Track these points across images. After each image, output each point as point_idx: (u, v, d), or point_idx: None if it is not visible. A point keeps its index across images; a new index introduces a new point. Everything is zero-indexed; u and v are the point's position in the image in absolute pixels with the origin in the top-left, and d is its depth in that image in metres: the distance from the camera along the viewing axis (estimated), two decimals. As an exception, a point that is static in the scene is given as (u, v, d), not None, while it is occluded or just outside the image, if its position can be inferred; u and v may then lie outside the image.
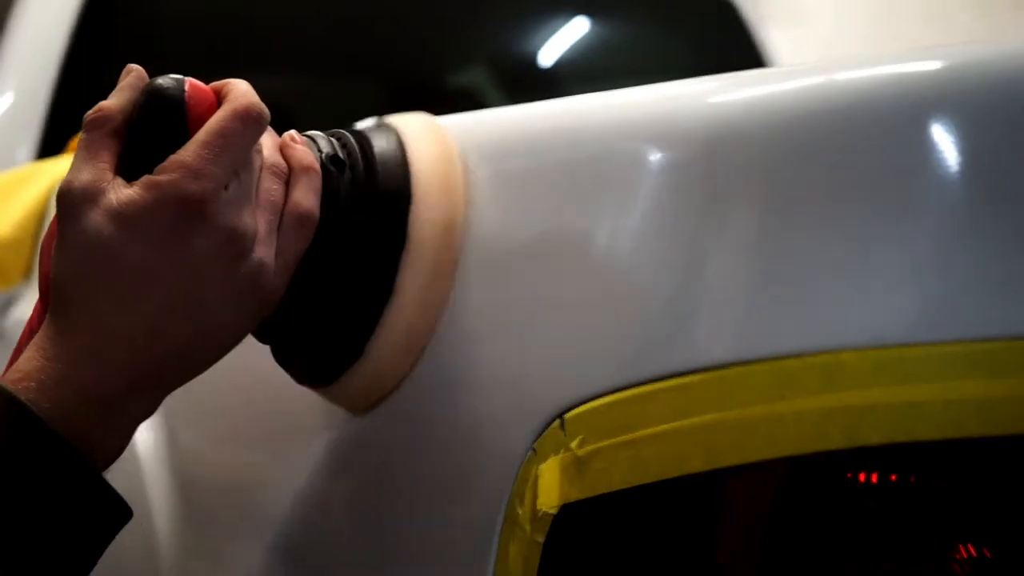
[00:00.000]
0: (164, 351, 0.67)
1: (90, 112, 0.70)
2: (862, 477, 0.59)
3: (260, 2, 2.15)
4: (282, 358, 0.76)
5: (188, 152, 0.66)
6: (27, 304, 1.48)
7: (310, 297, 0.71)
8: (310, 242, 0.70)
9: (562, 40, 2.27)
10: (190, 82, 0.69)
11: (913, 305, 0.58)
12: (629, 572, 0.64)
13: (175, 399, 0.82)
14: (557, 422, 0.65)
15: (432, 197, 0.71)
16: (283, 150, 0.71)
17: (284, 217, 0.69)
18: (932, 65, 0.60)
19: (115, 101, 0.70)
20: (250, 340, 0.73)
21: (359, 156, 0.72)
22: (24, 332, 0.71)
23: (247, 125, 0.68)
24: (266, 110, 0.68)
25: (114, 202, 0.66)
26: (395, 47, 2.15)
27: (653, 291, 0.63)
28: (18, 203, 1.49)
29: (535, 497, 0.65)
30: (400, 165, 0.72)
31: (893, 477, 0.59)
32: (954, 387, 0.57)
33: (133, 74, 0.71)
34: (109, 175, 0.67)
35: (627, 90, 0.72)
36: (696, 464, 0.60)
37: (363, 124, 0.76)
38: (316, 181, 0.70)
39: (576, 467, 0.64)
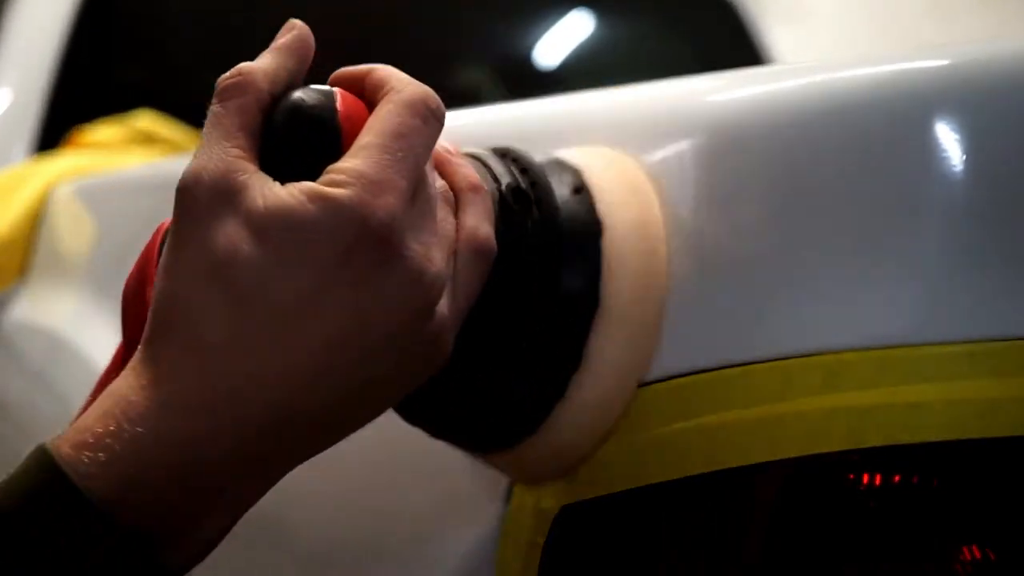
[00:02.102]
0: (304, 418, 0.50)
1: (226, 76, 0.54)
2: (864, 478, 0.59)
3: (260, 2, 2.15)
4: (438, 429, 0.63)
5: (363, 159, 0.50)
6: (23, 304, 1.48)
7: (479, 356, 0.58)
8: (484, 282, 0.55)
9: (562, 40, 2.27)
10: (342, 94, 0.53)
11: (915, 305, 0.58)
12: (629, 572, 0.64)
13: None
14: (557, 422, 0.65)
15: (628, 263, 0.60)
16: (442, 168, 0.56)
17: (459, 248, 0.54)
18: (935, 64, 0.60)
19: (262, 64, 0.54)
20: None
21: (544, 188, 0.58)
22: (97, 385, 0.56)
23: (426, 121, 0.52)
24: (442, 104, 0.54)
25: (262, 208, 0.49)
26: (395, 47, 2.15)
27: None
28: (13, 202, 1.49)
29: (535, 497, 0.65)
30: (588, 209, 0.59)
31: (895, 478, 0.59)
32: (956, 387, 0.57)
33: (296, 32, 0.56)
34: (251, 166, 0.51)
35: (627, 89, 0.72)
36: (696, 465, 0.60)
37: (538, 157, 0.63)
38: (488, 202, 0.56)
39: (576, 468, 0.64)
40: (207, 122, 0.53)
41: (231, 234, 0.49)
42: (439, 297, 0.52)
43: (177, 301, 0.50)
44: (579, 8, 2.30)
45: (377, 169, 0.50)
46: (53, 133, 1.74)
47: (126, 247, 1.25)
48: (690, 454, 0.60)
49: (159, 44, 2.06)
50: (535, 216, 0.57)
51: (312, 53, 0.55)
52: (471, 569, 0.69)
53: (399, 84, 0.54)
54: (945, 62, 0.60)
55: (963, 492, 0.59)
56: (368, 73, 0.55)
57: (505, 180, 0.58)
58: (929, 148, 0.58)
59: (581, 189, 0.59)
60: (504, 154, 0.60)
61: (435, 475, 0.75)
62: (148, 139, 1.66)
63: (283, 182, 0.51)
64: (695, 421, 0.60)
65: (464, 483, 0.72)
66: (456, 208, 0.55)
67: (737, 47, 2.25)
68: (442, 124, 0.54)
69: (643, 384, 0.62)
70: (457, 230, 0.54)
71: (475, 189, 0.56)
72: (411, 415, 0.62)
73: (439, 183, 0.55)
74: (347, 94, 0.53)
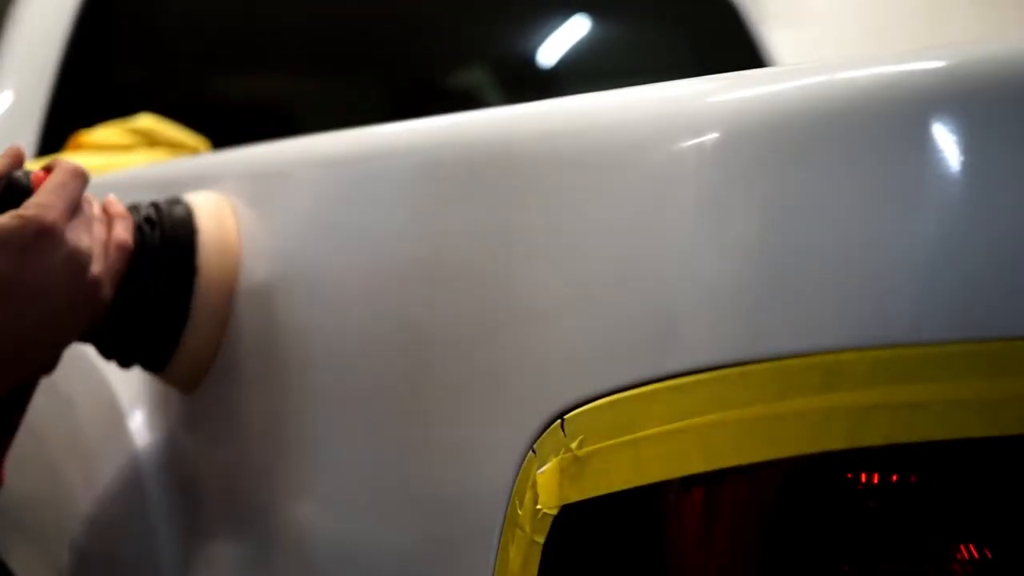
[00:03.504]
0: (16, 343, 0.88)
1: None
2: (863, 477, 0.59)
3: (260, 2, 2.15)
4: (114, 356, 1.00)
5: (39, 196, 0.90)
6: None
7: (132, 308, 0.97)
8: (127, 264, 0.95)
9: (562, 40, 2.27)
10: (34, 173, 0.93)
11: (913, 305, 0.58)
12: (629, 572, 0.64)
13: (176, 402, 0.81)
14: (557, 423, 0.65)
15: (212, 244, 0.98)
16: (105, 206, 0.96)
17: (108, 246, 0.93)
18: (934, 64, 0.60)
19: None
20: None
21: (166, 220, 1.00)
22: None
23: (75, 177, 0.91)
24: (87, 171, 0.93)
25: None
26: (395, 47, 2.15)
27: (653, 291, 0.63)
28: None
29: (535, 497, 0.65)
30: (188, 216, 1.00)
31: (894, 477, 0.59)
32: (955, 387, 0.57)
33: (11, 149, 0.95)
34: None
35: (627, 90, 0.72)
36: (696, 464, 0.60)
37: (163, 199, 1.01)
38: (129, 223, 0.96)
39: (576, 467, 0.64)
40: None
41: None
42: (89, 262, 0.90)
43: None
44: (579, 9, 2.30)
45: (46, 199, 0.89)
46: (55, 135, 1.74)
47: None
48: (690, 453, 0.60)
49: (160, 46, 2.06)
50: (157, 233, 0.98)
51: (23, 157, 0.94)
52: (471, 569, 0.70)
53: (63, 162, 0.93)
54: (943, 63, 0.60)
55: (961, 492, 0.59)
56: (52, 162, 0.93)
57: (143, 212, 0.99)
58: (926, 149, 0.58)
59: (187, 212, 1.00)
60: (150, 202, 1.01)
61: (435, 475, 0.75)
62: (149, 140, 1.66)
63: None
64: (695, 421, 0.60)
65: (464, 483, 0.72)
66: (109, 226, 0.95)
67: (737, 48, 2.24)
68: (87, 178, 0.92)
69: (643, 384, 0.62)
70: (108, 235, 0.94)
71: (122, 216, 0.96)
72: (103, 352, 1.00)
73: (100, 213, 0.94)
74: (39, 172, 0.93)
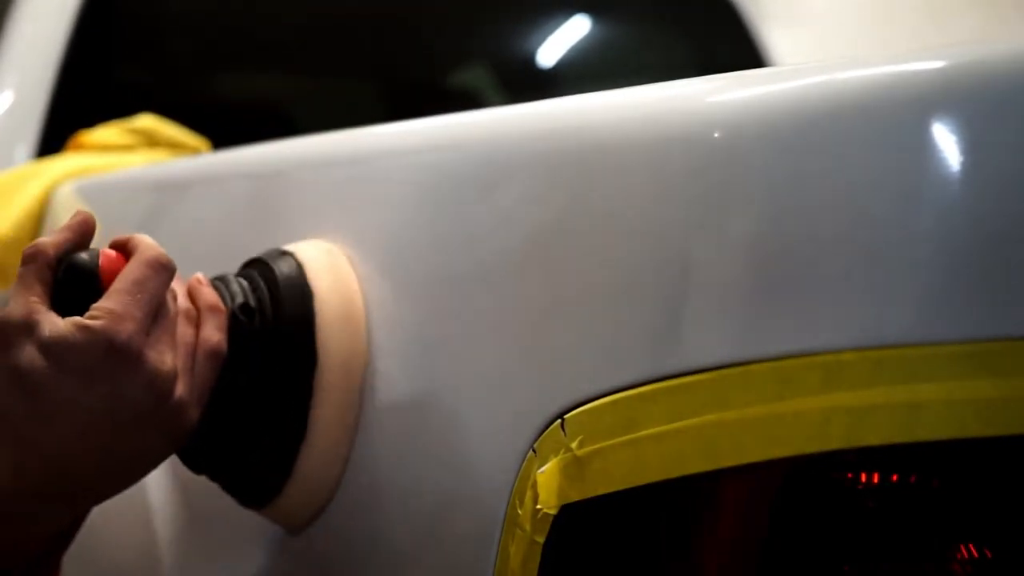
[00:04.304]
0: (80, 472, 0.74)
1: (27, 247, 0.77)
2: (863, 477, 0.59)
3: (260, 2, 2.15)
4: (222, 484, 0.83)
5: (112, 299, 0.74)
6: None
7: (231, 426, 0.79)
8: (219, 374, 0.78)
9: (562, 40, 2.27)
10: (103, 251, 0.77)
11: (913, 305, 0.58)
12: (629, 572, 0.64)
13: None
14: (557, 423, 0.65)
15: (335, 322, 0.79)
16: (190, 293, 0.79)
17: (196, 354, 0.77)
18: (934, 65, 0.60)
19: (52, 239, 0.77)
20: None
21: (266, 292, 0.80)
22: None
23: (157, 272, 0.76)
24: (172, 260, 0.77)
25: (48, 335, 0.72)
26: (395, 47, 2.15)
27: (653, 291, 0.63)
28: (17, 203, 1.49)
29: (535, 497, 0.65)
30: (304, 295, 0.79)
31: (893, 477, 0.59)
32: (955, 387, 0.57)
33: (79, 217, 0.79)
34: (43, 308, 0.74)
35: (627, 90, 0.72)
36: (696, 464, 0.60)
37: (265, 253, 0.83)
38: (221, 319, 0.79)
39: (576, 467, 0.64)
40: (17, 278, 0.75)
41: (30, 353, 0.72)
42: (173, 385, 0.74)
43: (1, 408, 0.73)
44: (579, 9, 2.30)
45: (121, 306, 0.73)
46: (55, 136, 1.74)
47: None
48: (690, 454, 0.60)
49: (160, 46, 2.06)
50: (257, 321, 0.79)
51: (92, 229, 0.78)
52: (471, 569, 0.70)
53: (143, 247, 0.77)
54: (943, 64, 0.60)
55: (961, 491, 0.59)
56: (128, 240, 0.78)
57: (238, 300, 0.79)
58: (928, 149, 0.58)
59: (298, 287, 0.79)
60: (240, 273, 0.82)
61: (436, 475, 0.75)
62: (149, 140, 1.66)
63: (64, 315, 0.74)
64: (695, 421, 0.60)
65: (464, 482, 0.72)
66: (198, 323, 0.78)
67: (737, 48, 2.24)
68: (172, 271, 0.76)
69: (643, 384, 0.62)
70: (197, 338, 0.77)
71: (212, 309, 0.79)
72: (194, 469, 0.82)
73: (186, 305, 0.78)
74: (110, 252, 0.77)
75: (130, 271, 0.75)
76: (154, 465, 0.77)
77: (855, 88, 0.60)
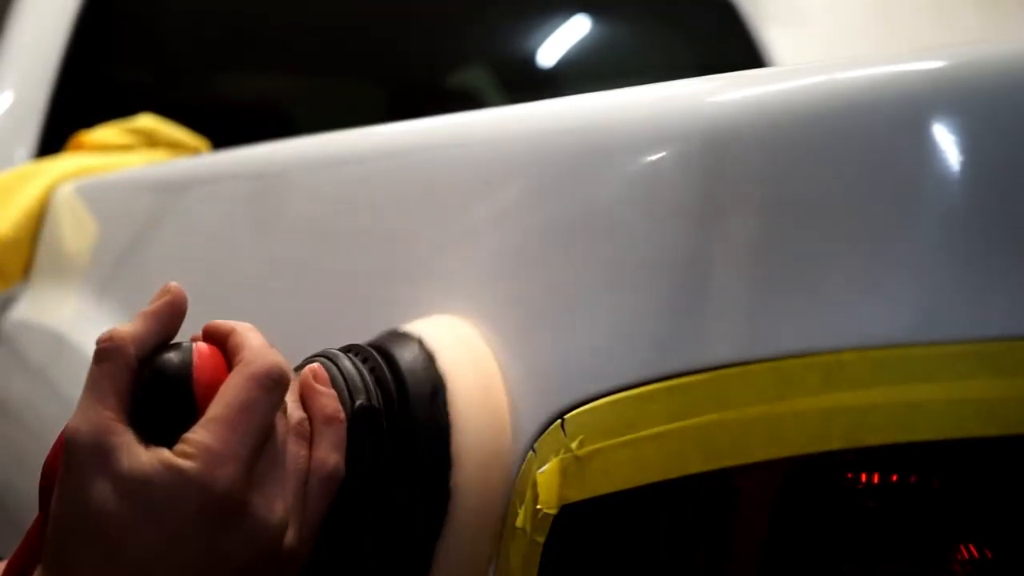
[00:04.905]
0: None
1: (101, 338, 0.62)
2: (863, 477, 0.59)
3: (260, 2, 2.15)
4: None
5: (210, 430, 0.59)
6: (26, 304, 1.48)
7: (342, 560, 0.65)
8: (334, 498, 0.63)
9: (562, 40, 2.27)
10: (198, 350, 0.62)
11: (914, 305, 0.58)
12: (629, 572, 0.64)
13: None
14: (557, 423, 0.65)
15: (476, 456, 0.65)
16: (304, 397, 0.64)
17: (309, 479, 0.62)
18: (934, 64, 0.60)
19: (131, 329, 0.62)
20: None
21: (393, 393, 0.65)
22: (25, 536, 0.65)
23: (269, 391, 0.60)
24: (288, 369, 0.61)
25: (126, 471, 0.59)
26: (395, 47, 2.15)
27: (653, 291, 0.63)
28: (17, 203, 1.49)
29: (535, 497, 0.65)
30: (439, 406, 0.65)
31: (893, 477, 0.59)
32: (954, 387, 0.57)
33: (167, 299, 0.63)
34: (120, 427, 0.60)
35: (627, 90, 0.72)
36: (696, 464, 0.60)
37: (388, 340, 0.68)
38: (340, 432, 0.63)
39: (576, 467, 0.64)
40: (88, 379, 0.62)
41: (102, 491, 0.58)
42: (281, 537, 0.60)
43: (66, 546, 0.59)
44: (579, 9, 2.30)
45: (221, 443, 0.58)
46: (55, 135, 1.74)
47: (127, 246, 1.25)
48: (690, 454, 0.60)
49: (160, 46, 2.06)
50: (384, 432, 0.64)
51: (183, 314, 0.63)
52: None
53: (251, 354, 0.61)
54: (943, 63, 0.60)
55: (961, 491, 0.59)
56: (230, 332, 0.63)
57: (359, 400, 0.64)
58: (928, 149, 0.58)
59: (436, 392, 0.65)
60: (358, 353, 0.66)
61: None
62: (149, 140, 1.66)
63: (148, 436, 0.60)
64: (695, 421, 0.60)
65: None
66: (311, 438, 0.63)
67: (737, 48, 2.24)
68: (286, 387, 0.61)
69: (643, 384, 0.62)
70: (309, 460, 0.62)
71: (328, 422, 0.63)
72: None
73: (298, 415, 0.63)
74: (206, 351, 0.62)
75: (234, 391, 0.60)
76: None
77: (855, 88, 0.60)
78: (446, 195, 0.79)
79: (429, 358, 0.66)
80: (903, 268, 0.58)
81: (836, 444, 0.58)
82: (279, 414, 0.61)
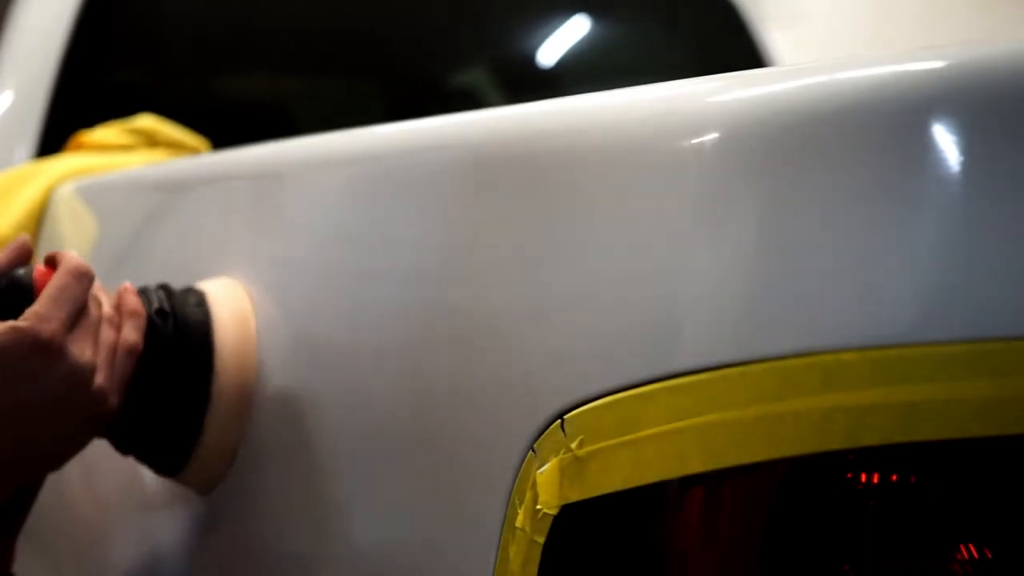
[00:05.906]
0: (8, 457, 0.84)
1: None
2: (863, 477, 0.59)
3: (260, 2, 2.15)
4: (137, 456, 0.96)
5: (38, 304, 0.85)
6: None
7: (144, 410, 0.92)
8: (137, 365, 0.90)
9: (562, 40, 2.27)
10: (37, 268, 0.90)
11: (913, 305, 0.58)
12: (629, 572, 0.64)
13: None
14: (557, 423, 0.65)
15: (231, 346, 0.93)
16: (117, 298, 0.91)
17: (117, 350, 0.88)
18: (933, 65, 0.60)
19: None
20: None
21: (178, 304, 0.95)
22: None
23: (78, 279, 0.86)
24: (91, 268, 0.88)
25: None
26: (395, 47, 2.15)
27: (653, 291, 0.63)
28: (17, 203, 1.49)
29: (535, 497, 0.65)
30: (203, 308, 0.95)
31: (893, 477, 0.59)
32: (954, 387, 0.57)
33: (18, 243, 0.92)
34: None
35: (627, 90, 0.72)
36: (696, 464, 0.60)
37: (177, 287, 0.97)
38: (140, 322, 0.91)
39: (576, 467, 0.64)
40: None
41: None
42: (92, 376, 0.85)
43: None
44: (579, 9, 2.30)
45: (45, 309, 0.84)
46: (55, 135, 1.74)
47: (127, 246, 1.25)
48: (690, 454, 0.60)
49: (160, 46, 2.06)
50: (171, 325, 0.93)
51: (30, 252, 0.92)
52: (471, 569, 0.70)
53: (67, 258, 0.88)
54: (943, 63, 0.60)
55: (961, 492, 0.59)
56: (57, 254, 0.89)
57: (155, 305, 0.94)
58: (926, 149, 0.58)
59: (201, 303, 0.95)
60: (161, 287, 0.96)
61: (436, 475, 0.75)
62: (149, 140, 1.67)
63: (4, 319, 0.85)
64: (695, 421, 0.60)
65: (465, 483, 0.72)
66: (120, 326, 0.90)
67: (737, 48, 2.24)
68: (91, 279, 0.87)
69: (643, 384, 0.62)
70: (117, 336, 0.89)
71: (133, 315, 0.91)
72: (119, 449, 0.95)
73: (109, 311, 0.89)
74: (43, 268, 0.89)
75: (54, 280, 0.86)
76: (80, 447, 0.89)
77: (855, 88, 0.60)
78: (444, 200, 0.79)
79: (201, 291, 0.96)
80: (903, 267, 0.58)
81: (836, 444, 0.58)
82: (95, 304, 0.87)
